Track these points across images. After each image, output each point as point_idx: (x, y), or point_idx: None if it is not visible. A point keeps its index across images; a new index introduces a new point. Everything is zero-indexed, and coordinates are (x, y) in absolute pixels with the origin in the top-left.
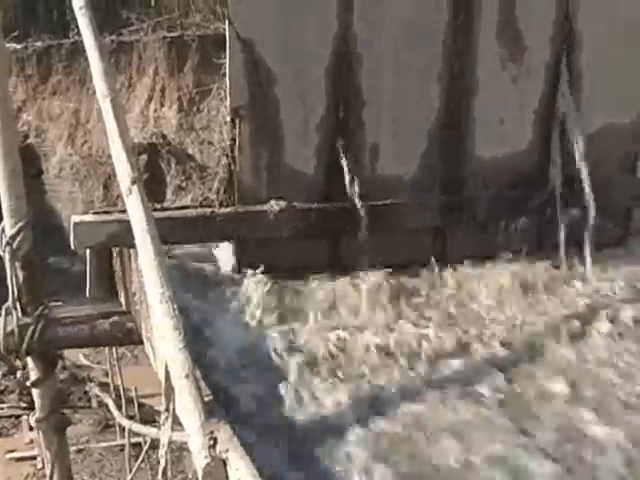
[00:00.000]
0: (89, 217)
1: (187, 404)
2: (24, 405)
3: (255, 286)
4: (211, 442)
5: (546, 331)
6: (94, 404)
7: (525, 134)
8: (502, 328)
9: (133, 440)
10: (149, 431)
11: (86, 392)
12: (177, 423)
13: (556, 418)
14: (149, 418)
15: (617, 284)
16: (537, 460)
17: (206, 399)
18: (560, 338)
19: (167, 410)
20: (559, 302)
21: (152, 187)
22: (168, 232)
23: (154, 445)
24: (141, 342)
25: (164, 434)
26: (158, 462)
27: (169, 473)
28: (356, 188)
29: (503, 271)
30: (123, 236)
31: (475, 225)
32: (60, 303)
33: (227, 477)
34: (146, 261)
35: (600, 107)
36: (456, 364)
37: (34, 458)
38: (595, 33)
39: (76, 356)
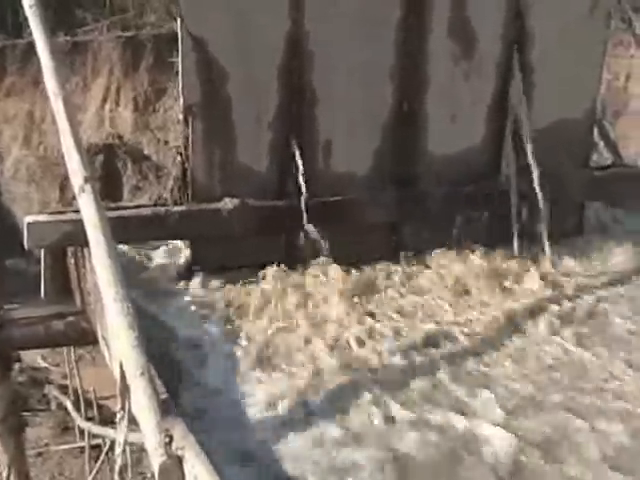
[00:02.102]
0: (42, 217)
1: (142, 402)
2: None
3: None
4: (167, 440)
5: (501, 319)
6: (53, 406)
7: (478, 130)
8: (458, 318)
9: (93, 442)
10: (108, 432)
11: (45, 395)
12: (136, 423)
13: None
14: (108, 420)
15: (572, 273)
16: None
17: (161, 397)
18: (513, 326)
19: (122, 409)
20: (513, 292)
21: (108, 187)
22: (122, 231)
23: (114, 446)
24: (96, 342)
25: (120, 433)
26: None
27: (129, 474)
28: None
29: (458, 263)
30: (77, 235)
31: (429, 220)
32: (17, 306)
33: (183, 474)
34: (99, 260)
35: (552, 102)
36: (411, 355)
37: None
38: (546, 29)
39: (34, 358)
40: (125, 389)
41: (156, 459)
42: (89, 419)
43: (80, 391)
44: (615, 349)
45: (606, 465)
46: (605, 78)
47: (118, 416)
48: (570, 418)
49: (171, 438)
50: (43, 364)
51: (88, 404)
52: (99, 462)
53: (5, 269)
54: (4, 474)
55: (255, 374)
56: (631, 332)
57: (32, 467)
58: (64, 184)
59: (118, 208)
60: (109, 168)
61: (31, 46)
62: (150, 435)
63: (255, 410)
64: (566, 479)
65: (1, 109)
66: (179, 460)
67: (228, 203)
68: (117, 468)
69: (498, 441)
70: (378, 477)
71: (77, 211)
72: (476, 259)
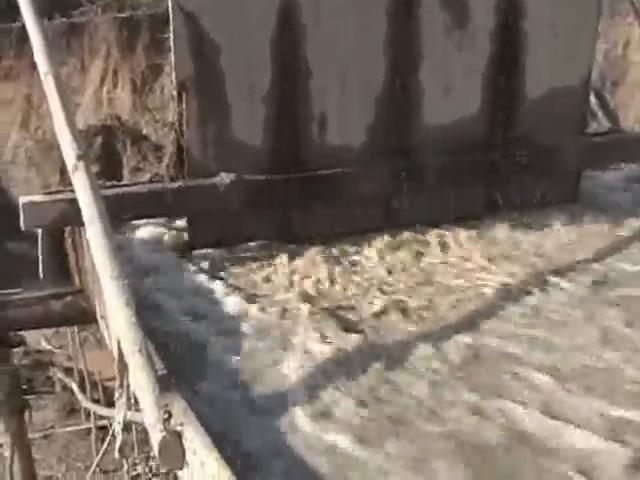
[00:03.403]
0: (38, 197)
1: (140, 379)
2: None
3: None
4: (166, 416)
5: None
6: (58, 389)
7: (472, 100)
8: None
9: (99, 423)
10: (114, 414)
11: (49, 377)
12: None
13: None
14: (114, 401)
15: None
16: None
17: (159, 373)
18: (512, 295)
19: (121, 386)
20: (509, 261)
21: (108, 169)
22: (118, 209)
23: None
24: (95, 321)
25: (119, 410)
26: (125, 444)
27: (135, 454)
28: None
29: (457, 233)
30: (73, 215)
31: (426, 191)
32: (19, 289)
33: (183, 450)
34: (95, 238)
35: (547, 70)
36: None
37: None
38: None
39: (38, 341)
40: (123, 367)
41: (155, 435)
42: (95, 401)
43: (85, 373)
44: None
45: None
46: (603, 47)
47: (116, 394)
48: None
49: (170, 414)
50: (47, 347)
51: (93, 386)
52: (105, 443)
53: (7, 253)
54: (8, 454)
55: None
56: None
57: (38, 450)
58: (64, 167)
59: (113, 186)
60: (108, 150)
61: (27, 30)
62: (149, 412)
63: None
64: None
65: None
66: (178, 436)
67: (224, 178)
68: (117, 446)
69: None
70: None
71: (73, 190)
72: (473, 229)
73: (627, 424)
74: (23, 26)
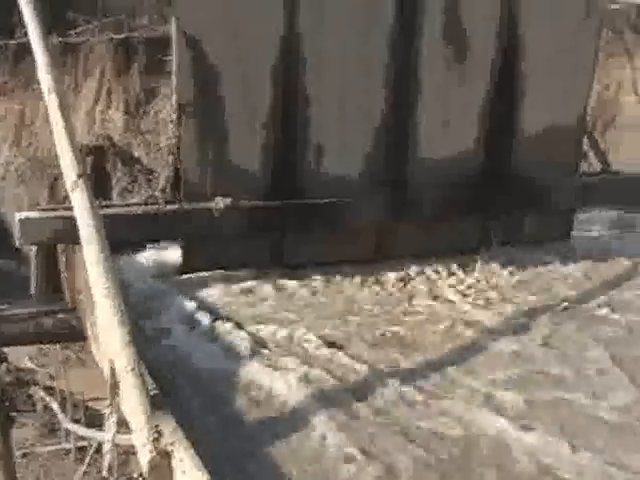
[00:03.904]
0: (34, 213)
1: (132, 398)
2: None
3: None
4: (156, 435)
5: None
6: (39, 408)
7: (469, 135)
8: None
9: (79, 444)
10: (95, 435)
11: (30, 396)
12: (122, 426)
13: None
14: (95, 422)
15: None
16: None
17: (151, 393)
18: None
19: (112, 404)
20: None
21: (98, 189)
22: (112, 230)
23: (100, 449)
24: (86, 339)
25: (109, 429)
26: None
27: (114, 476)
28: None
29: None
30: (69, 232)
31: (420, 224)
32: (6, 306)
33: (171, 470)
34: (91, 255)
35: (543, 108)
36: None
37: None
38: (539, 36)
39: (21, 359)
40: (115, 385)
41: (145, 455)
42: (76, 421)
43: (67, 393)
44: None
45: None
46: (595, 88)
47: (107, 412)
48: None
49: (160, 434)
50: (29, 365)
51: (75, 406)
52: (85, 464)
53: None
54: None
55: None
56: None
57: (17, 468)
58: (54, 184)
59: (109, 206)
60: (99, 170)
61: (23, 47)
62: (139, 431)
63: None
64: None
65: None
66: (168, 456)
67: (220, 202)
68: (106, 464)
69: None
70: None
71: (69, 208)
72: (465, 264)
73: None
74: (19, 44)
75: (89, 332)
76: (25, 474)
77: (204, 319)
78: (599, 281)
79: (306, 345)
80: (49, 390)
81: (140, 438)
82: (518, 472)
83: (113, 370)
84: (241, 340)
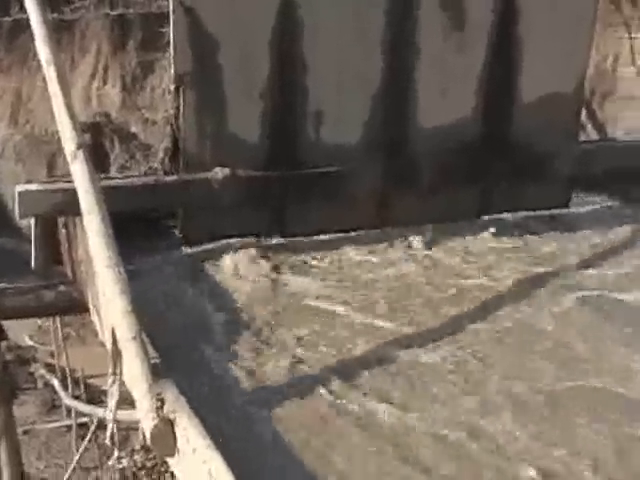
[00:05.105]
0: (34, 186)
1: (134, 367)
2: None
3: None
4: (158, 404)
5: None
6: (40, 385)
7: (468, 102)
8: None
9: (80, 420)
10: (95, 411)
11: (31, 373)
12: (124, 402)
13: None
14: (95, 398)
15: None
16: None
17: (153, 361)
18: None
19: (114, 373)
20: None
21: (95, 166)
22: (112, 201)
23: (101, 425)
24: (87, 311)
25: (112, 397)
26: (105, 442)
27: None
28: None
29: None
30: (68, 205)
31: (419, 192)
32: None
33: (175, 437)
34: (92, 225)
35: (542, 76)
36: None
37: None
38: (536, 2)
39: (21, 337)
40: (117, 354)
41: (148, 423)
42: (76, 397)
43: (67, 369)
44: None
45: None
46: (594, 60)
47: (109, 380)
48: None
49: (163, 402)
50: (30, 342)
51: (75, 382)
52: (86, 440)
53: None
54: None
55: None
56: None
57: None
58: (51, 162)
59: (108, 178)
60: (96, 147)
61: (18, 24)
62: (142, 399)
63: None
64: None
65: None
66: (171, 423)
67: (219, 173)
68: (109, 432)
69: None
70: None
71: (69, 180)
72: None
73: None
74: (14, 20)
75: (90, 304)
76: (27, 451)
77: None
78: (599, 250)
79: None
80: (50, 367)
81: (142, 407)
82: None
83: (115, 339)
84: None
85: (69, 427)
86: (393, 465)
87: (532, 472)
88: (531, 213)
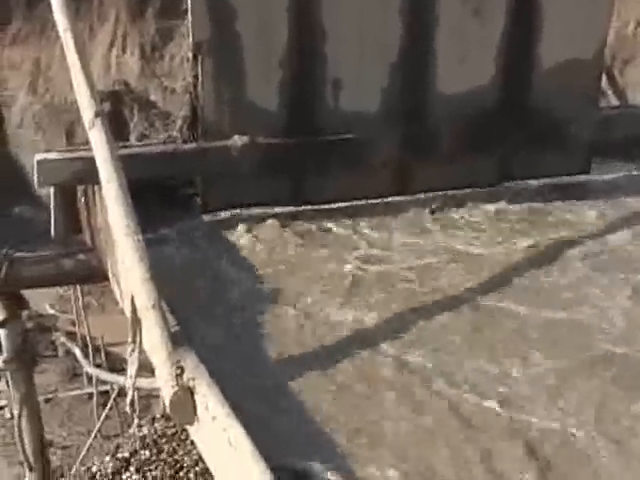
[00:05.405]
0: (52, 155)
1: (153, 335)
2: None
3: None
4: (178, 371)
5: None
6: (61, 353)
7: (487, 68)
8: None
9: (101, 388)
10: (116, 379)
11: (52, 342)
12: (144, 370)
13: None
14: (116, 366)
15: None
16: None
17: (173, 329)
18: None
19: (134, 342)
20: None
21: (115, 134)
22: (131, 169)
23: (122, 393)
24: (106, 279)
25: (132, 364)
26: (126, 410)
27: (136, 419)
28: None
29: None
30: (87, 173)
31: (438, 160)
32: (25, 254)
33: (194, 405)
34: (111, 193)
35: (561, 42)
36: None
37: (1, 408)
38: None
39: (42, 306)
40: (136, 322)
41: (167, 391)
42: (97, 366)
43: (88, 338)
44: None
45: None
46: (614, 26)
47: (129, 349)
48: None
49: (182, 370)
50: (51, 311)
51: (96, 351)
52: (107, 408)
53: (13, 216)
54: (15, 412)
55: None
56: None
57: (41, 413)
58: (70, 131)
59: (126, 146)
60: (116, 115)
61: None
62: (161, 367)
63: None
64: None
65: (7, 57)
66: (190, 391)
67: (237, 140)
68: (129, 400)
69: None
70: None
71: (87, 149)
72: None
73: None
74: None
75: (110, 272)
76: (49, 419)
77: None
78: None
79: None
80: (70, 335)
81: (162, 374)
82: None
83: (134, 307)
84: None
85: (90, 395)
86: None
87: None
88: (551, 180)
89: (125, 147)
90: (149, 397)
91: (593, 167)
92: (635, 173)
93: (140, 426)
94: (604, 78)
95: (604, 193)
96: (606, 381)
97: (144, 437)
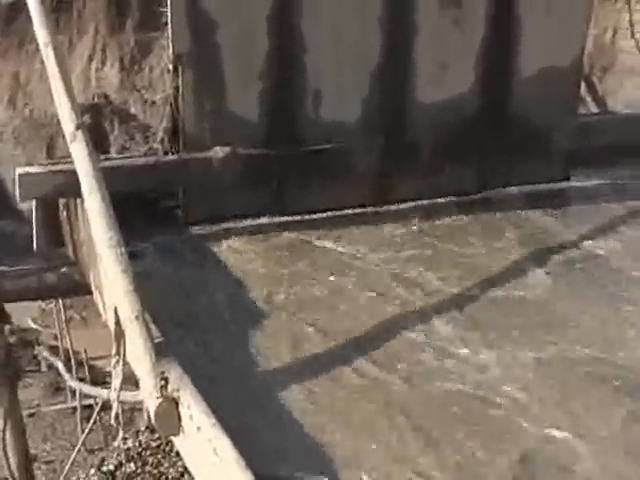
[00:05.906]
0: (34, 168)
1: (137, 346)
2: None
3: None
4: (162, 382)
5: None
6: (44, 368)
7: (467, 77)
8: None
9: (84, 402)
10: (100, 393)
11: (35, 356)
12: (128, 383)
13: None
14: (99, 380)
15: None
16: None
17: (156, 340)
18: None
19: (118, 354)
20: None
21: (95, 147)
22: (113, 181)
23: (105, 406)
24: (89, 292)
25: (116, 377)
26: (110, 423)
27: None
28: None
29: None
30: (69, 186)
31: (418, 169)
32: (6, 268)
33: (179, 416)
34: (93, 206)
35: (540, 50)
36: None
37: None
38: None
39: (24, 320)
40: (120, 334)
41: (152, 402)
42: (80, 379)
43: (71, 352)
44: None
45: None
46: (592, 33)
47: (113, 361)
48: None
49: (166, 381)
50: (33, 325)
51: (79, 365)
52: (91, 422)
53: None
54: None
55: None
56: None
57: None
58: (50, 145)
59: (108, 158)
60: (96, 128)
61: (15, 7)
62: (145, 378)
63: None
64: None
65: None
66: (175, 402)
67: (219, 152)
68: (114, 413)
69: None
70: None
71: (69, 162)
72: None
73: None
74: (11, 4)
75: (92, 285)
76: (32, 433)
77: None
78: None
79: None
80: (53, 350)
81: (146, 386)
82: None
83: (118, 319)
84: None
85: (74, 409)
86: None
87: None
88: (531, 187)
89: (106, 160)
90: (133, 410)
91: (573, 174)
92: (615, 180)
93: (125, 439)
94: (583, 85)
95: (584, 200)
96: None
97: (129, 450)
